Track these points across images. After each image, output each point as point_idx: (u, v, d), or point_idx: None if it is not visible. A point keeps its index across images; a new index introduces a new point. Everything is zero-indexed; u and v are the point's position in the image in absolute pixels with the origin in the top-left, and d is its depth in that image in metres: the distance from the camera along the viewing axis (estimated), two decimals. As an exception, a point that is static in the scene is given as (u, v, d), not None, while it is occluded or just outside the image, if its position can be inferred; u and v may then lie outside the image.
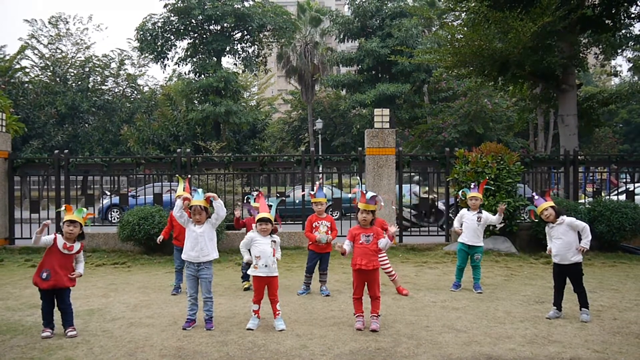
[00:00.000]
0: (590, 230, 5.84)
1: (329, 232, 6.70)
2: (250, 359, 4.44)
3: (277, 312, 5.33)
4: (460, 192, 7.77)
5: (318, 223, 6.70)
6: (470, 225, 6.96)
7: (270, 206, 5.45)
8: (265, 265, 5.25)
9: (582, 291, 5.61)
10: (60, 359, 4.47)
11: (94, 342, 4.90)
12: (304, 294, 6.82)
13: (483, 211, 7.11)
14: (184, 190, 6.70)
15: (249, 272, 5.42)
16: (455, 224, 7.32)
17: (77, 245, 5.11)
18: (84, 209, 5.20)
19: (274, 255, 5.30)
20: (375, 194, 5.33)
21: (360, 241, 5.25)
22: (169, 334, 5.13)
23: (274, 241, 5.34)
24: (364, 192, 5.30)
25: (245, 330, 5.22)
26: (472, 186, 7.23)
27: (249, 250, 5.39)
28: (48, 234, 5.12)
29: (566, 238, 5.63)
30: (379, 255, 5.69)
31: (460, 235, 7.09)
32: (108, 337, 5.03)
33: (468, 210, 7.06)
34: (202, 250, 5.29)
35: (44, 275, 4.97)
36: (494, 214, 7.21)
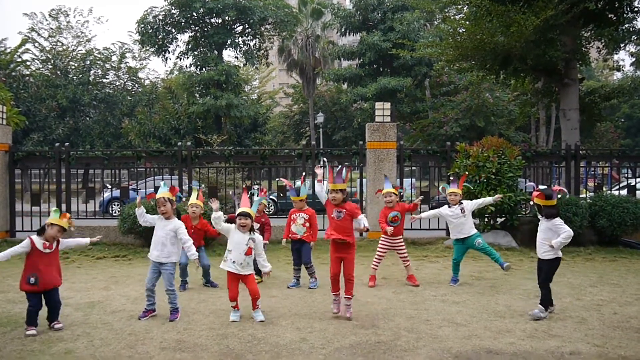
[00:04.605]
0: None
1: (306, 224, 6.74)
2: (250, 352, 4.45)
3: (257, 306, 5.35)
4: (440, 188, 7.76)
5: (296, 215, 6.82)
6: (455, 221, 6.91)
7: (251, 201, 5.42)
8: (233, 262, 5.17)
9: (542, 288, 5.50)
10: (61, 351, 4.48)
11: (94, 334, 4.91)
12: (294, 287, 6.84)
13: (464, 201, 7.03)
14: (197, 199, 6.80)
15: (220, 265, 5.31)
16: (424, 214, 7.30)
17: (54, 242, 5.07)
18: (58, 210, 5.11)
19: (248, 254, 5.17)
20: (341, 168, 5.33)
21: (332, 215, 5.33)
22: (169, 326, 5.14)
23: (253, 239, 5.21)
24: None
25: (245, 323, 5.23)
26: (451, 179, 7.21)
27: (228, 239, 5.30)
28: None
29: (544, 235, 5.49)
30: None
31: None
32: (108, 330, 5.04)
33: (449, 207, 7.00)
34: (161, 252, 5.38)
35: (32, 280, 4.86)
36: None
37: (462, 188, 7.16)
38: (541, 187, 5.72)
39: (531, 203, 5.66)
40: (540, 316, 5.35)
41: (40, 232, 5.01)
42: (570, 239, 5.34)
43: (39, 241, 4.95)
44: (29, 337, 4.83)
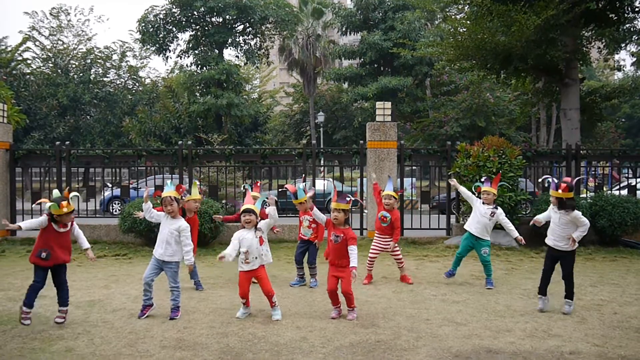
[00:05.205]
0: (591, 224, 5.76)
1: (311, 225, 6.79)
2: (250, 351, 4.45)
3: (273, 304, 5.40)
4: (474, 187, 7.58)
5: (302, 218, 6.88)
6: (481, 219, 6.82)
7: (255, 199, 5.46)
8: (256, 258, 5.28)
9: (570, 279, 5.57)
10: (61, 349, 4.48)
11: (94, 332, 4.92)
12: (297, 285, 6.87)
13: (499, 208, 6.94)
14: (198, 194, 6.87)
15: (239, 268, 5.38)
16: (461, 187, 7.32)
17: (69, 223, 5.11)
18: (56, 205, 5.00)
19: (261, 244, 5.31)
20: (346, 194, 5.43)
21: (330, 238, 5.36)
22: (169, 325, 5.15)
23: (259, 229, 5.32)
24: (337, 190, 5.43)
25: (245, 321, 5.24)
26: (483, 180, 7.06)
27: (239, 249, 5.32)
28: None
29: (564, 228, 5.50)
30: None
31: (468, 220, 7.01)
32: (109, 328, 5.05)
33: (483, 203, 6.89)
34: (166, 250, 5.39)
35: (43, 255, 4.94)
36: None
37: (495, 187, 6.97)
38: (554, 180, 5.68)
39: (552, 197, 5.57)
40: (571, 310, 5.53)
41: (53, 219, 5.00)
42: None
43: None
44: (24, 325, 4.91)
